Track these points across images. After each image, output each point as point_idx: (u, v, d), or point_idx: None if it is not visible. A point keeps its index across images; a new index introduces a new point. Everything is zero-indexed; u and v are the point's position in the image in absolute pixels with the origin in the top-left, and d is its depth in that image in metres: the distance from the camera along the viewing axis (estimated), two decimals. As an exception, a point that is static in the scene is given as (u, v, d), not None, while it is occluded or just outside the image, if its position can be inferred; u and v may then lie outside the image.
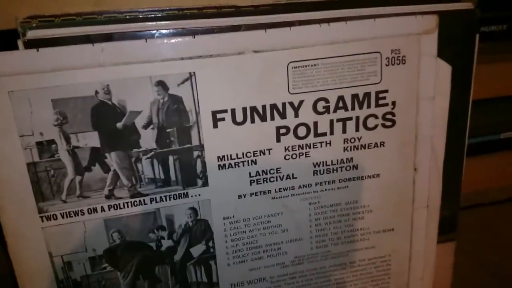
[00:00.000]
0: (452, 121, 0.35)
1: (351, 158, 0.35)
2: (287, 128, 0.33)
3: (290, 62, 0.31)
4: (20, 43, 0.28)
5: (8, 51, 0.28)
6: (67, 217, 0.31)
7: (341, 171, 0.35)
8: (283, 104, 0.32)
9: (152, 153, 0.31)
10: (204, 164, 0.32)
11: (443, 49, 0.33)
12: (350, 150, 0.34)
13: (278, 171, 0.34)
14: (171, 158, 0.32)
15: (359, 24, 0.31)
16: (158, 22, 0.30)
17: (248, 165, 0.33)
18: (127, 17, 0.30)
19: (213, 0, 0.31)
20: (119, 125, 0.30)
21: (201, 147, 0.32)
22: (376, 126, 0.34)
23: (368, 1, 0.32)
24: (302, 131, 0.33)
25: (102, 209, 0.32)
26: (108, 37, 0.29)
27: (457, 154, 0.36)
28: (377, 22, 0.31)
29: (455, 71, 0.34)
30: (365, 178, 0.35)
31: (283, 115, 0.32)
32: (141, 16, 0.30)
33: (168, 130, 0.31)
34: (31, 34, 0.28)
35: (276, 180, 0.34)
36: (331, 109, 0.33)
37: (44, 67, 0.28)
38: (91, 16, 0.29)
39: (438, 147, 0.35)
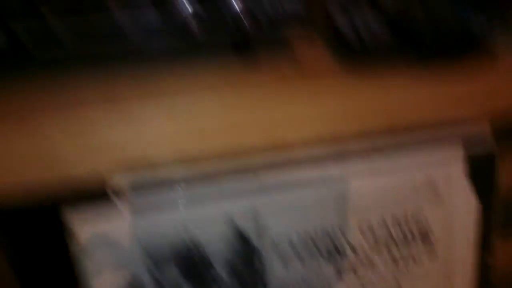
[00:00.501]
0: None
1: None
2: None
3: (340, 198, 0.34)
4: (112, 195, 0.30)
5: (103, 204, 0.30)
6: None
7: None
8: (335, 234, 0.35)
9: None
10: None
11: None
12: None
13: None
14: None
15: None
16: (227, 167, 0.32)
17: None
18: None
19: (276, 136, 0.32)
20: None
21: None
22: (420, 259, 0.37)
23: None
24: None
25: None
26: (186, 182, 0.31)
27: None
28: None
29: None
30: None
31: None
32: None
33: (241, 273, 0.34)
34: (118, 182, 0.30)
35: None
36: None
37: (131, 214, 0.31)
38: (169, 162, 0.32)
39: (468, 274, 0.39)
